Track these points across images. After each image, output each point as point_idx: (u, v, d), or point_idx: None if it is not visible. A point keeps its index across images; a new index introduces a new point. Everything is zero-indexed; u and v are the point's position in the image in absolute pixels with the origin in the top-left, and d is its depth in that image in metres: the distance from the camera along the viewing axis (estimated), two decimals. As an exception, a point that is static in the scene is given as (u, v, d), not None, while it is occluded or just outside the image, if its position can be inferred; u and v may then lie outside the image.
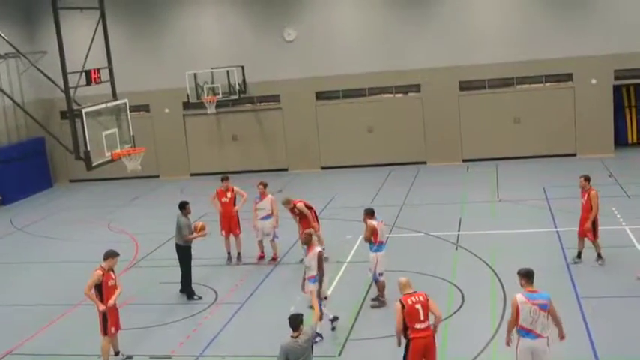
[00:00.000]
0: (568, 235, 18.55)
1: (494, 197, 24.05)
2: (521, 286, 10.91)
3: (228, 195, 18.95)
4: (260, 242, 18.95)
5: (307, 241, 14.25)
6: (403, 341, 11.14)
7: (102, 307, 13.03)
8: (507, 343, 10.99)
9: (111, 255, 13.37)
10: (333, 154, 31.52)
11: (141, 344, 14.50)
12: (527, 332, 10.65)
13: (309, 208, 18.47)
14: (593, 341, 13.03)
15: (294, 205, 18.15)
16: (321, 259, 14.02)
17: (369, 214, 15.37)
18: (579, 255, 16.98)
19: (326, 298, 14.22)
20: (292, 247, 19.69)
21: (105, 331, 13.19)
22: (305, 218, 18.20)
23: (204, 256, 19.17)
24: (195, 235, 16.56)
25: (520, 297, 10.71)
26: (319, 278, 13.88)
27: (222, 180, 19.10)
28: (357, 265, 17.60)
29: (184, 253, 16.70)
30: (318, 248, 14.26)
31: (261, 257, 19.02)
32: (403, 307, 11.08)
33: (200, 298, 16.56)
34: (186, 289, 16.75)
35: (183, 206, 16.92)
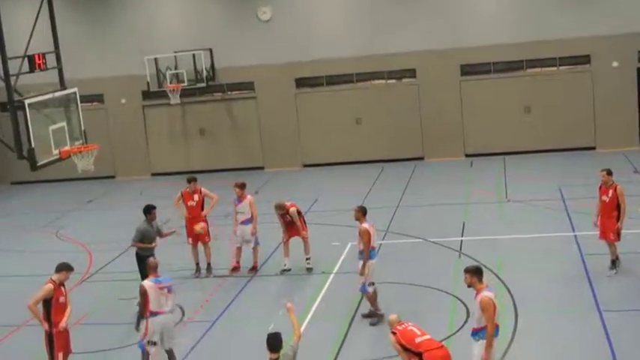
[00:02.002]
0: (587, 240, 18.62)
1: (502, 197, 24.13)
2: (471, 285, 11.57)
3: (196, 197, 18.92)
4: (238, 249, 18.94)
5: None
6: None
7: (46, 325, 12.95)
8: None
9: (65, 268, 13.32)
10: (317, 150, 31.53)
11: None
12: (497, 329, 11.48)
13: (299, 213, 18.61)
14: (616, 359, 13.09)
15: (288, 210, 18.22)
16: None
17: (364, 213, 15.38)
18: (614, 263, 16.91)
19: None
20: (272, 255, 19.68)
21: (52, 358, 13.08)
22: (294, 224, 18.32)
23: (168, 268, 19.07)
24: (145, 244, 16.50)
25: (491, 294, 11.38)
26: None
27: (189, 181, 19.06)
28: (345, 276, 17.59)
29: (138, 263, 16.65)
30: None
31: (236, 268, 18.98)
32: (395, 333, 11.62)
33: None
34: None
35: (149, 210, 16.91)
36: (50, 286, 13.05)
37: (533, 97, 29.91)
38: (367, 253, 14.99)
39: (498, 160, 29.20)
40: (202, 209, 19.01)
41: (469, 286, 11.65)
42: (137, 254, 16.82)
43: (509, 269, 17.52)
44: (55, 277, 13.21)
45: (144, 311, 13.27)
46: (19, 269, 21.11)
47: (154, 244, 16.75)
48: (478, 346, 11.37)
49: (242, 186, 18.79)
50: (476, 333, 11.50)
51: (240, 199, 18.70)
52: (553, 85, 29.72)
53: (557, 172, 26.51)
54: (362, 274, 15.12)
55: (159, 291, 13.28)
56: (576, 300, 15.67)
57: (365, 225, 15.11)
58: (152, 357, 13.31)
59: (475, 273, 11.56)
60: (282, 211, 18.36)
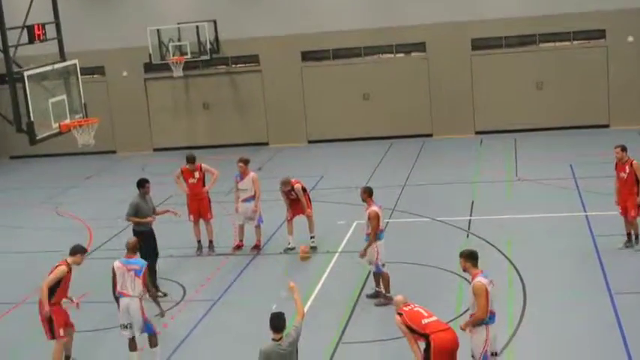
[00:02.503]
0: (599, 220, 18.65)
1: (512, 176, 24.13)
2: (466, 269, 11.52)
3: (196, 175, 18.89)
4: (241, 227, 18.99)
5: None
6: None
7: (47, 308, 13.00)
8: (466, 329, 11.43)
9: (80, 251, 13.42)
10: (322, 126, 31.51)
11: (95, 349, 14.51)
12: (492, 316, 11.32)
13: (304, 190, 18.63)
14: (627, 342, 13.12)
15: (293, 187, 18.26)
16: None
17: (370, 193, 15.40)
18: (630, 238, 17.04)
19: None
20: (275, 234, 19.73)
21: (52, 335, 13.17)
22: (299, 202, 18.36)
23: (169, 245, 19.17)
24: (140, 219, 16.58)
25: (484, 280, 11.24)
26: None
27: (189, 161, 18.98)
28: (350, 255, 17.63)
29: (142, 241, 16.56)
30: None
31: (239, 247, 19.04)
32: (401, 314, 11.62)
33: (165, 295, 16.56)
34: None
35: (142, 184, 16.96)
36: (64, 268, 13.15)
37: (545, 72, 29.82)
38: (374, 236, 15.02)
39: (509, 138, 29.15)
40: (204, 185, 19.02)
41: (464, 271, 11.67)
42: (133, 230, 16.81)
43: (518, 250, 17.57)
44: (70, 259, 13.31)
45: (113, 291, 13.38)
46: (17, 246, 21.21)
47: (149, 219, 16.77)
48: (478, 332, 11.31)
49: (246, 162, 18.78)
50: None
51: (243, 175, 18.69)
52: (566, 61, 29.61)
53: (569, 151, 26.49)
54: (362, 255, 15.17)
55: (126, 272, 13.25)
56: (587, 282, 15.70)
57: (374, 208, 15.09)
58: (129, 343, 13.29)
59: (469, 257, 11.51)
60: (288, 187, 18.39)
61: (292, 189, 18.41)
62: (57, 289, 13.14)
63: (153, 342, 13.44)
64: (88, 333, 14.99)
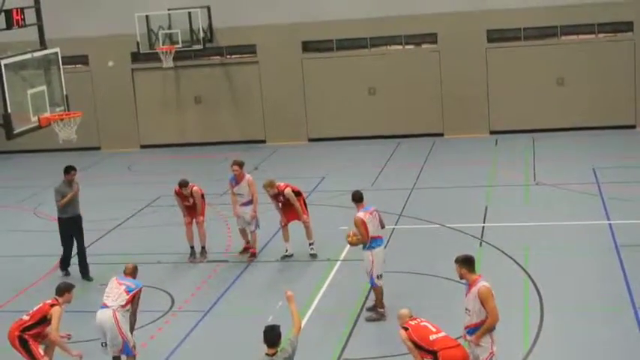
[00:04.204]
0: (623, 229, 18.66)
1: (530, 179, 24.15)
2: (462, 276, 11.69)
3: (191, 200, 18.94)
4: (243, 231, 19.06)
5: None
6: None
7: (76, 353, 13.14)
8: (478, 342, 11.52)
9: (66, 289, 13.49)
10: (324, 123, 31.55)
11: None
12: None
13: (297, 193, 18.58)
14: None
15: (281, 191, 18.27)
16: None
17: (357, 199, 15.49)
18: None
19: None
20: (273, 239, 19.76)
21: (35, 358, 13.23)
22: (291, 206, 18.37)
23: (157, 251, 19.20)
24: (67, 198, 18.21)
25: (488, 284, 11.52)
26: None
27: (181, 186, 18.77)
28: (352, 264, 17.66)
29: (60, 228, 18.55)
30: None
31: (247, 248, 19.14)
32: (407, 329, 11.65)
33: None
34: (63, 268, 18.73)
35: (68, 171, 18.63)
36: (58, 308, 13.22)
37: (567, 67, 29.84)
38: (366, 240, 15.09)
39: (526, 138, 29.17)
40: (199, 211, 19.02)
41: (461, 278, 11.77)
42: (59, 219, 18.50)
43: (535, 260, 17.57)
44: (61, 299, 13.36)
45: None
46: (-8, 249, 21.27)
47: (70, 195, 18.31)
48: (483, 340, 11.44)
49: (241, 165, 18.76)
50: (475, 328, 11.50)
51: (238, 179, 18.70)
52: (590, 55, 29.64)
53: (591, 153, 26.49)
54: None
55: (117, 285, 13.40)
56: (609, 295, 15.71)
57: (359, 214, 15.14)
58: None
59: (464, 263, 11.62)
60: (272, 190, 18.33)
61: (281, 193, 18.38)
62: (44, 324, 13.22)
63: None
64: (71, 344, 14.98)
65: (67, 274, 18.57)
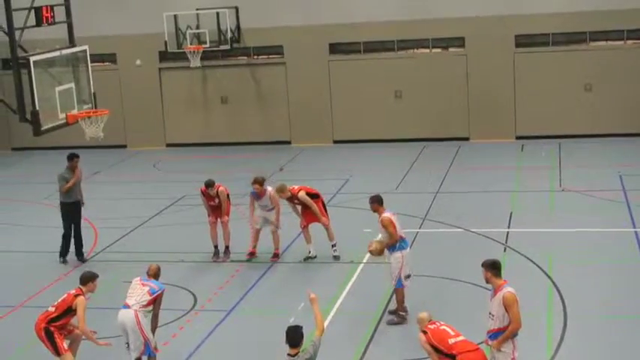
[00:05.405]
0: (650, 238, 18.56)
1: (556, 186, 24.04)
2: (488, 281, 11.73)
3: (217, 200, 18.97)
4: (257, 232, 18.98)
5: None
6: None
7: (103, 342, 13.27)
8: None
9: (90, 278, 13.51)
10: (350, 125, 31.52)
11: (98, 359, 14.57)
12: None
13: (315, 195, 18.56)
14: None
15: (294, 194, 18.28)
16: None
17: (380, 202, 15.51)
18: None
19: None
20: (295, 241, 19.75)
21: (58, 351, 13.29)
22: (309, 209, 18.37)
23: (181, 250, 19.25)
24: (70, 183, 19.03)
25: (513, 290, 11.57)
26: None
27: (208, 186, 18.84)
28: (375, 267, 17.62)
29: (62, 210, 19.54)
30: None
31: (252, 254, 19.06)
32: (426, 333, 11.66)
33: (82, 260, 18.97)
34: (63, 253, 19.55)
35: (71, 158, 19.25)
36: (83, 298, 13.27)
37: (595, 73, 29.67)
38: (393, 243, 15.09)
39: (553, 144, 29.04)
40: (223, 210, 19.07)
41: (487, 282, 11.80)
42: (61, 203, 19.39)
43: (559, 267, 17.48)
44: (85, 288, 13.41)
45: None
46: (17, 244, 21.36)
47: (71, 182, 19.07)
48: (505, 346, 11.49)
49: (261, 182, 18.52)
50: (498, 333, 11.51)
51: (260, 195, 18.61)
52: (619, 61, 29.46)
53: (619, 160, 26.35)
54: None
55: (140, 286, 13.42)
56: (633, 303, 15.59)
57: (386, 214, 15.19)
58: None
59: (491, 267, 11.67)
60: (284, 195, 18.34)
61: (295, 196, 18.37)
62: (69, 314, 13.28)
63: None
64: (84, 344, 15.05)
65: (65, 261, 19.44)
